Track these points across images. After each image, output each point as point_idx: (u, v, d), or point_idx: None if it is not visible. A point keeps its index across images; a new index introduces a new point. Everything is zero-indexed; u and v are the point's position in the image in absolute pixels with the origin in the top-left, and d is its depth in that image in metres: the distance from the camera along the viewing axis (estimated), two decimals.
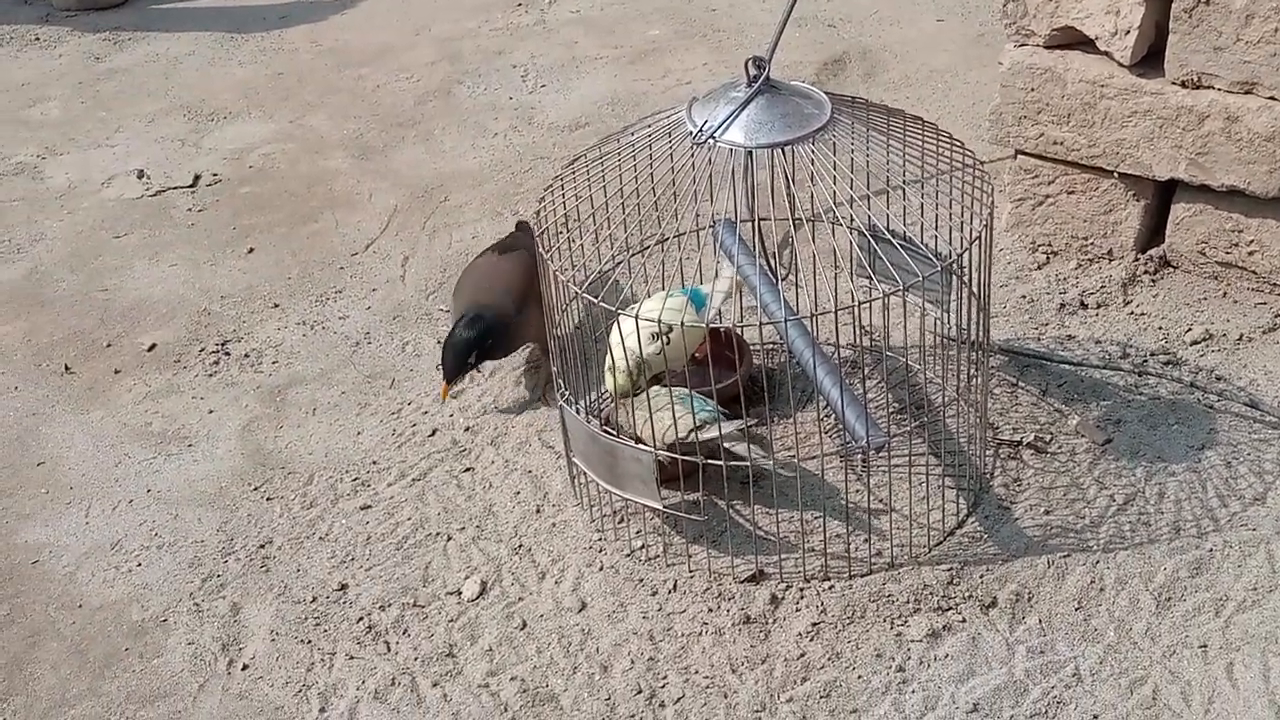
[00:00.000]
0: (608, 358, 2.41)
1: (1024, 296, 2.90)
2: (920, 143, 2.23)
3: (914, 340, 2.60)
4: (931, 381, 2.59)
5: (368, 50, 4.18)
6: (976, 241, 2.17)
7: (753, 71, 2.17)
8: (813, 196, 2.41)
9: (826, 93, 2.25)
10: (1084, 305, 2.86)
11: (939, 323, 2.38)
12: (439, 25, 4.31)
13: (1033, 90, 2.95)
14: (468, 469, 2.56)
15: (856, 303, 2.12)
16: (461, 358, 2.59)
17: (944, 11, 4.24)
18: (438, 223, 3.32)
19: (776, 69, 3.92)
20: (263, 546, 2.43)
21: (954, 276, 2.31)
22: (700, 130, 2.13)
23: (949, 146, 2.26)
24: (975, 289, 2.25)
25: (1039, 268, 3.01)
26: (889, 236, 2.24)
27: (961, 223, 2.26)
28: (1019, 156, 3.05)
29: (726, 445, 2.21)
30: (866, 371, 2.64)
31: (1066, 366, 2.67)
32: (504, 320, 2.60)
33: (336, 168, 3.59)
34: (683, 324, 2.28)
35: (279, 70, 4.09)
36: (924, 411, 2.52)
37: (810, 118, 2.14)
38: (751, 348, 2.64)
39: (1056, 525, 2.30)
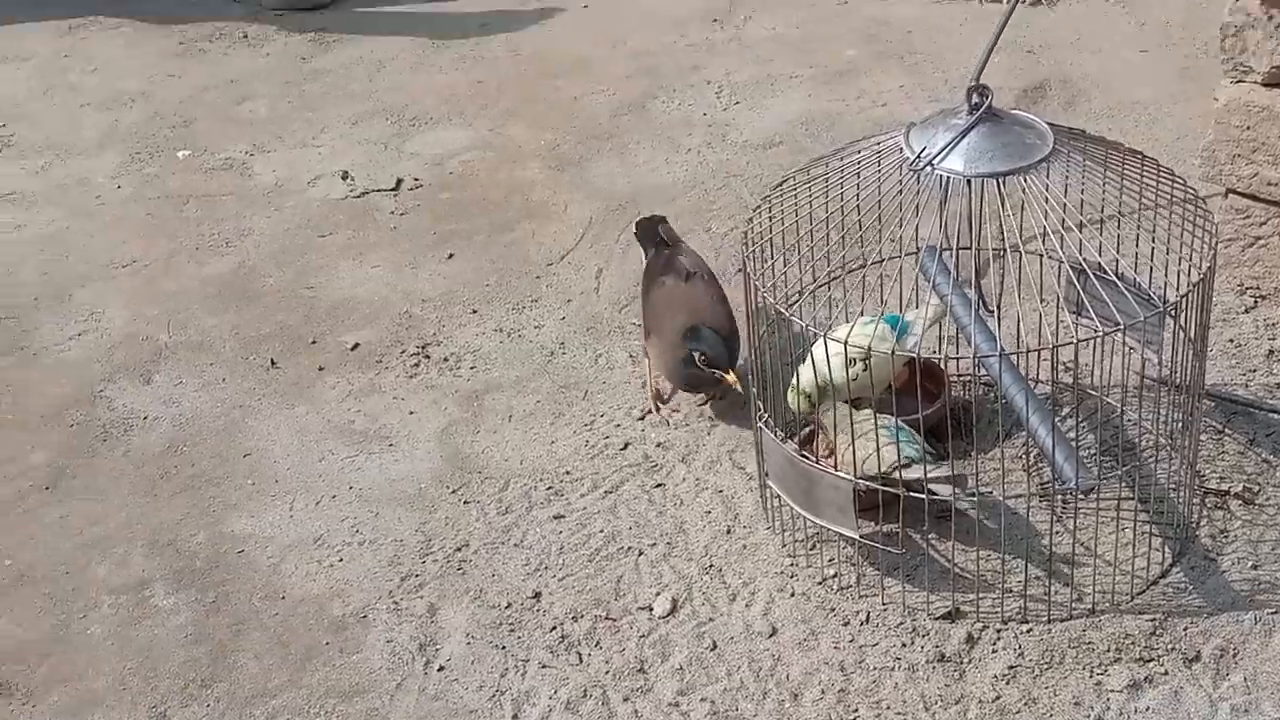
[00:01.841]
0: (794, 377, 2.42)
1: (1231, 340, 2.83)
2: (1140, 178, 2.19)
3: (1118, 380, 2.55)
4: (1137, 424, 2.55)
5: (566, 61, 4.24)
6: (1198, 286, 2.13)
7: (975, 99, 2.15)
8: (1023, 227, 2.39)
9: (1048, 123, 2.22)
10: None
11: (1148, 364, 2.34)
12: (635, 39, 4.35)
13: (1249, 129, 2.88)
14: (659, 485, 2.59)
15: (1074, 341, 2.10)
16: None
17: (1147, 43, 4.16)
18: (631, 236, 3.35)
19: None
20: (459, 549, 2.48)
21: (1170, 319, 2.27)
22: (919, 156, 2.12)
23: (1170, 183, 2.22)
24: (1191, 333, 2.20)
25: (1246, 311, 2.94)
26: (1106, 274, 2.21)
27: (1180, 259, 2.22)
28: (1230, 195, 2.98)
29: (930, 489, 2.20)
30: (1068, 410, 2.61)
31: (1276, 416, 2.60)
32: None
33: (533, 178, 3.64)
34: (890, 351, 2.27)
35: (479, 78, 4.17)
36: (1130, 455, 2.48)
37: (1032, 148, 2.12)
38: (949, 378, 2.62)
39: (1265, 581, 2.24)
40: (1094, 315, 2.28)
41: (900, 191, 2.11)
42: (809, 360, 2.39)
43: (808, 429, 2.51)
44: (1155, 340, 2.28)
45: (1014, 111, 2.21)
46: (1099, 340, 2.37)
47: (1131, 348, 2.35)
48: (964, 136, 2.11)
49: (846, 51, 4.14)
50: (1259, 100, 2.86)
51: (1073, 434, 2.56)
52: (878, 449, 2.21)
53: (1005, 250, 2.32)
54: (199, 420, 2.86)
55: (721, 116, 3.87)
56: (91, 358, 3.06)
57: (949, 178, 2.09)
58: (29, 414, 2.91)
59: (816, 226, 2.33)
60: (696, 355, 2.63)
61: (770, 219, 2.35)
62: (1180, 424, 2.36)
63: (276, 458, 2.74)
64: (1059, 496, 2.35)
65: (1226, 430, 2.59)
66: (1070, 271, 2.31)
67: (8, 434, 2.85)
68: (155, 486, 2.70)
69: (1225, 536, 2.34)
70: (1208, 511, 2.38)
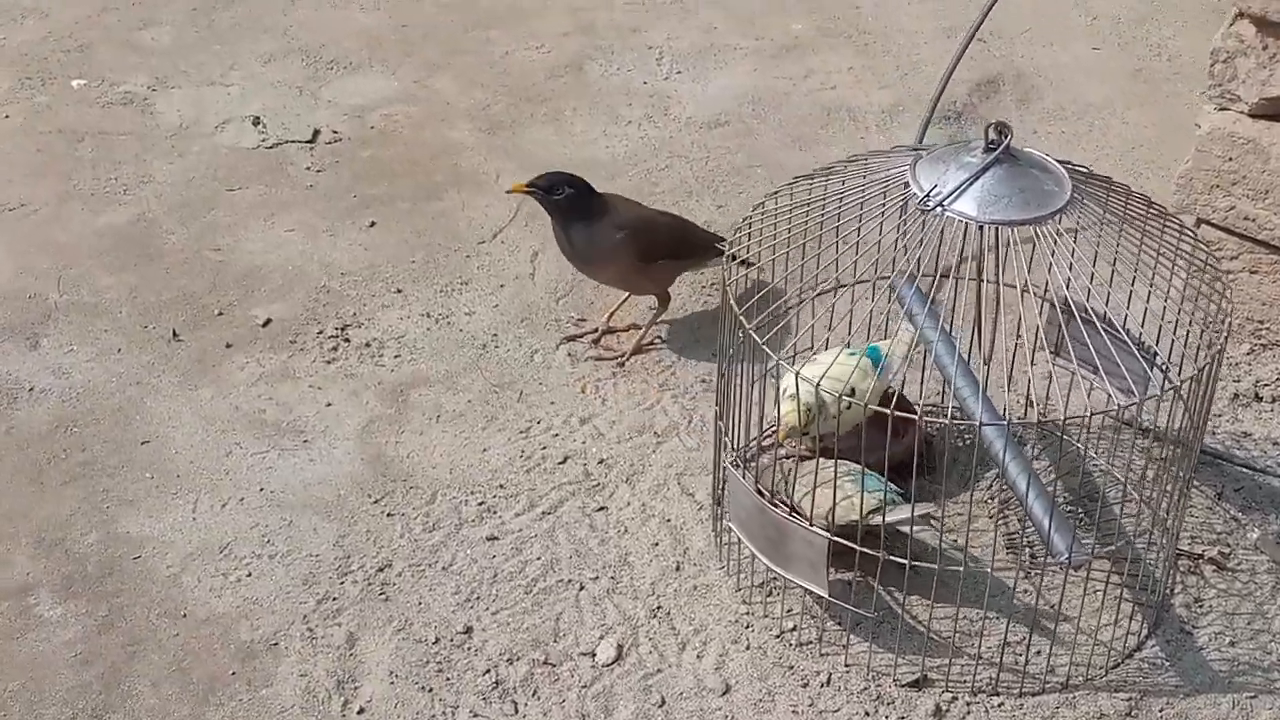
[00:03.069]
0: (786, 386, 2.20)
1: (1218, 371, 2.72)
2: (1159, 234, 2.05)
3: (1091, 422, 2.42)
4: (1106, 472, 2.42)
5: (496, 9, 3.97)
6: (1210, 363, 1.99)
7: (993, 136, 1.98)
8: (1019, 268, 2.23)
9: (1062, 163, 2.06)
10: (1259, 398, 2.68)
11: (1125, 412, 2.22)
12: None
13: (1231, 160, 2.75)
14: (601, 508, 2.40)
15: (1085, 415, 1.95)
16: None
17: (1099, 39, 4.03)
18: None
19: (929, 84, 3.72)
20: (382, 570, 2.27)
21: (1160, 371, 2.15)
22: (928, 196, 1.95)
23: (1191, 244, 2.08)
24: (1192, 408, 2.07)
25: (1193, 311, 2.82)
26: (1112, 328, 2.07)
27: (1191, 321, 2.09)
28: (1201, 226, 2.86)
29: (906, 531, 2.04)
30: (1035, 451, 2.47)
31: (1244, 470, 2.49)
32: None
33: (462, 140, 3.40)
34: (872, 388, 2.11)
35: (402, 21, 3.89)
36: (1103, 511, 2.35)
37: (1049, 196, 1.96)
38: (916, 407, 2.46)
39: (1243, 660, 2.13)
40: (1073, 357, 2.15)
41: (905, 233, 1.93)
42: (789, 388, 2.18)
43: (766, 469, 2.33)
44: (1138, 390, 2.15)
45: (1030, 151, 2.04)
46: (1073, 381, 2.26)
47: (1109, 394, 2.22)
48: (978, 178, 1.93)
49: (793, 25, 3.94)
50: (1244, 131, 2.73)
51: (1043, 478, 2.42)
52: (856, 496, 2.05)
53: (997, 293, 2.18)
54: (92, 396, 2.60)
55: (663, 87, 3.65)
56: None
57: (964, 222, 1.91)
58: None
59: (801, 252, 2.14)
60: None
61: (750, 233, 2.16)
62: (1153, 478, 2.24)
63: (178, 448, 2.50)
64: (1034, 560, 2.21)
65: (1194, 482, 2.47)
66: (1050, 310, 2.18)
67: None
68: (42, 473, 2.44)
69: (1200, 606, 2.22)
70: (1182, 576, 2.27)
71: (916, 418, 2.34)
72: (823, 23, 4.00)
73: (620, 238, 2.64)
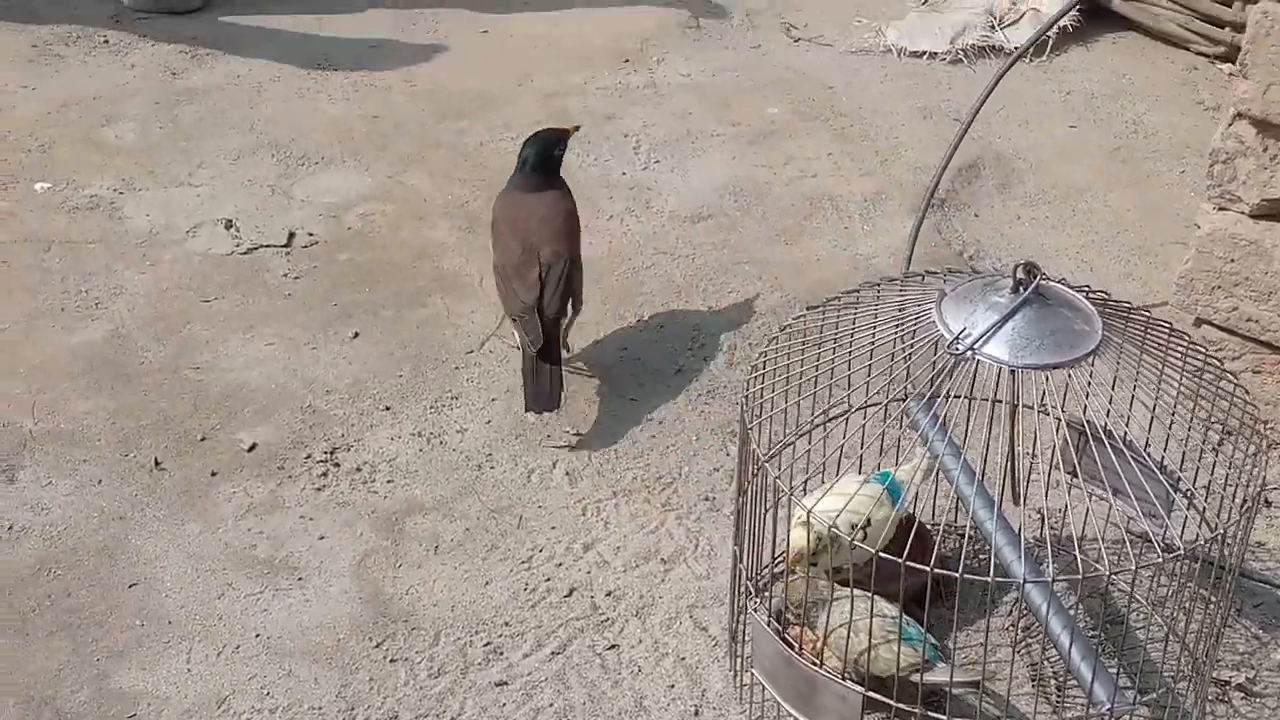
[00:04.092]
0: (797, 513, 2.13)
1: (1203, 486, 2.68)
2: (1198, 376, 2.01)
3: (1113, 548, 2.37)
4: (1130, 597, 2.37)
5: (467, 98, 3.91)
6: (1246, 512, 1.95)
7: (1021, 276, 1.93)
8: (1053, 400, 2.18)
9: (1089, 297, 2.01)
10: (1268, 503, 2.65)
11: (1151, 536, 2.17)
12: (540, 76, 4.04)
13: (1232, 261, 2.73)
14: (612, 645, 2.32)
15: (1133, 568, 1.89)
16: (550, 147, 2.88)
17: (1075, 115, 4.01)
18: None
19: (910, 170, 3.69)
20: None
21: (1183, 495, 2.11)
22: (957, 339, 1.89)
23: (1232, 386, 2.04)
24: (1230, 559, 2.03)
25: (1220, 442, 2.79)
26: (1133, 451, 2.02)
27: (1217, 453, 2.05)
28: (1202, 326, 2.83)
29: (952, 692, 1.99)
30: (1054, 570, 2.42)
31: (1262, 585, 2.45)
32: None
33: (442, 240, 3.32)
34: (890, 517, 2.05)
35: (373, 113, 3.81)
36: (1127, 637, 2.29)
37: (1081, 336, 1.91)
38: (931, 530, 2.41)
39: None
40: (1095, 480, 2.10)
41: (935, 378, 1.88)
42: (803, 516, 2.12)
43: (783, 599, 2.26)
44: (1161, 514, 2.11)
45: (1058, 287, 1.99)
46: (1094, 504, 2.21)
47: (1132, 518, 2.17)
48: (1008, 320, 1.88)
49: (768, 109, 3.90)
50: (1245, 233, 2.71)
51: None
52: (897, 645, 1.98)
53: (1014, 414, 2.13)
54: (74, 534, 2.50)
55: (642, 177, 3.60)
56: None
57: (997, 367, 1.86)
58: None
59: (814, 383, 2.09)
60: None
61: (768, 363, 2.10)
62: (1180, 608, 2.20)
63: (168, 590, 2.40)
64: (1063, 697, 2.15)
65: (1212, 598, 2.43)
66: (1069, 432, 2.13)
67: None
68: (27, 622, 2.33)
69: None
70: (1210, 706, 2.22)
71: (931, 555, 2.29)
72: (798, 106, 3.96)
73: None
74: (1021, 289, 1.91)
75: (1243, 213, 2.72)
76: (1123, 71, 4.21)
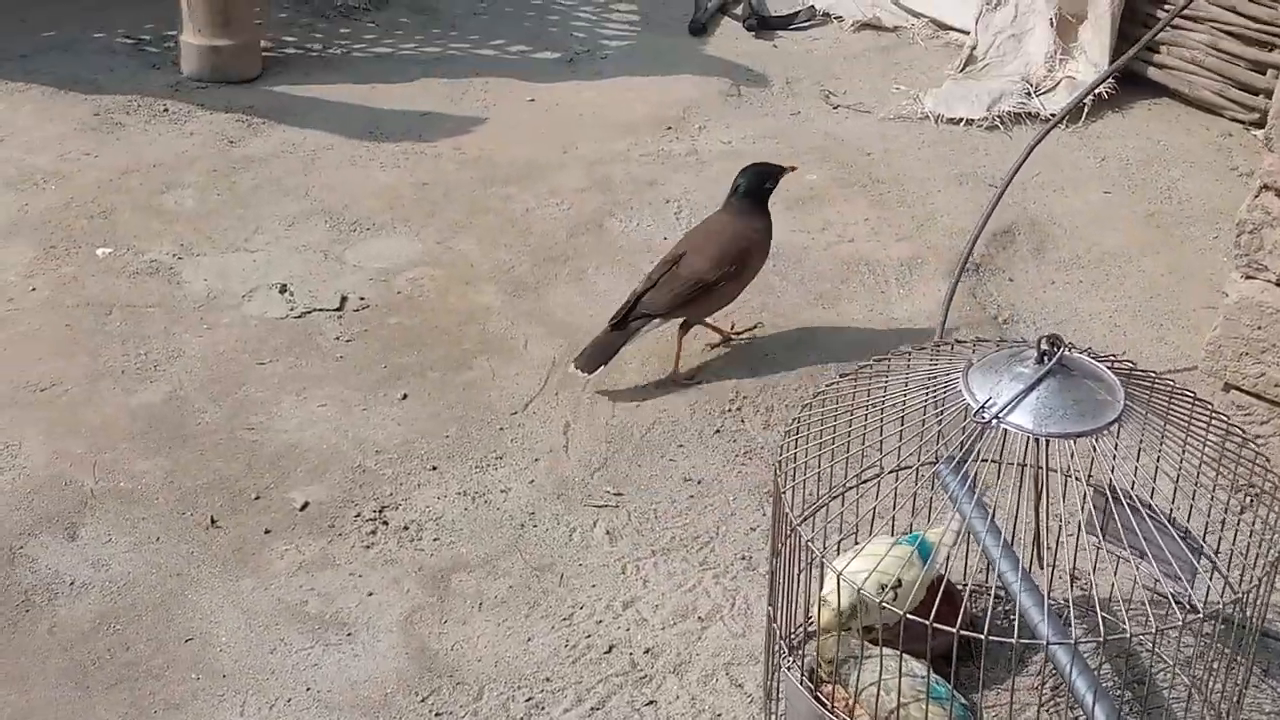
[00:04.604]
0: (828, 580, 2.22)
1: (1224, 549, 2.73)
2: (1220, 446, 2.07)
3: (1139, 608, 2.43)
4: (1152, 654, 2.42)
5: (514, 165, 4.02)
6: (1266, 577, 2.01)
7: (1045, 348, 2.00)
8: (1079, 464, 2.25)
9: (1112, 367, 2.08)
10: None
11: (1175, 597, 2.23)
12: (585, 144, 4.15)
13: (1260, 328, 2.79)
14: (650, 702, 2.39)
15: (1166, 628, 1.95)
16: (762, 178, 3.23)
17: (1109, 181, 4.09)
18: (597, 384, 3.15)
19: (945, 235, 3.76)
20: None
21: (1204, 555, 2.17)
22: (983, 408, 1.97)
23: (1254, 454, 2.10)
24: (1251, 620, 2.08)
25: (1241, 510, 2.84)
26: (1155, 515, 2.09)
27: (1239, 521, 2.11)
28: (1231, 391, 2.89)
29: None
30: (1080, 631, 2.47)
31: None
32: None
33: (488, 303, 3.42)
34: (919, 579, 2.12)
35: (423, 180, 3.93)
36: (1153, 697, 2.35)
37: (1103, 406, 1.98)
38: (960, 590, 2.47)
39: None
40: (1120, 543, 2.16)
41: (964, 445, 1.95)
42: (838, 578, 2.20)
43: (816, 657, 2.33)
44: (1187, 575, 2.16)
45: (1081, 358, 2.06)
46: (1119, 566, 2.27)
47: (1158, 579, 2.23)
48: (1032, 390, 1.95)
49: (807, 175, 3.99)
50: (1272, 301, 2.77)
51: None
52: (925, 705, 2.05)
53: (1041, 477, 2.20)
54: (133, 590, 2.60)
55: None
56: (10, 504, 2.77)
57: (1024, 436, 1.93)
58: None
59: (846, 448, 2.17)
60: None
61: (804, 436, 2.18)
62: (1207, 669, 2.25)
63: (222, 645, 2.49)
64: None
65: (1238, 657, 2.47)
66: (1094, 496, 2.19)
67: None
68: (87, 675, 2.43)
69: None
70: None
71: (959, 615, 2.35)
72: (836, 172, 4.05)
73: None
74: (1046, 359, 1.98)
75: (1270, 281, 2.78)
76: (1157, 137, 4.29)
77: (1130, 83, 4.45)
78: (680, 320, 3.17)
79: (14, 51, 4.49)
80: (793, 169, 3.33)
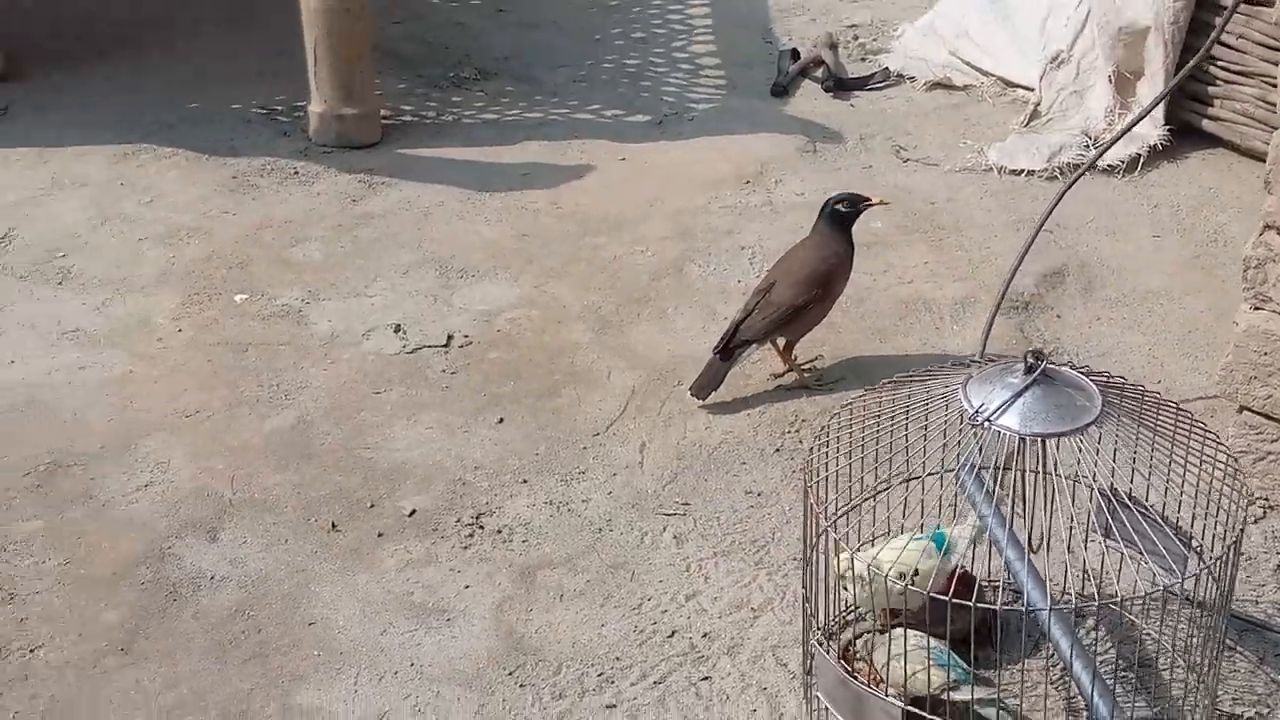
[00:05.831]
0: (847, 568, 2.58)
1: (1241, 554, 3.01)
2: (1186, 439, 2.38)
3: (1138, 592, 2.73)
4: (1155, 639, 2.72)
5: (605, 218, 4.43)
6: (1229, 550, 2.31)
7: (1030, 361, 2.33)
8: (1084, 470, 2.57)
9: (1094, 380, 2.41)
10: None
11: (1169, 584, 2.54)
12: (670, 198, 4.55)
13: (1266, 354, 3.07)
14: (705, 677, 2.75)
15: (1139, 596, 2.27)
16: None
17: (1160, 227, 4.37)
18: (672, 409, 3.53)
19: (999, 276, 4.08)
20: None
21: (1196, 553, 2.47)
22: (977, 412, 2.31)
23: (1215, 447, 2.41)
24: (1222, 585, 2.38)
25: (1255, 522, 3.12)
26: (1135, 505, 2.40)
27: (1215, 509, 2.42)
28: (1244, 412, 3.17)
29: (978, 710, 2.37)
30: (1092, 623, 2.78)
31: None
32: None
33: (577, 340, 3.82)
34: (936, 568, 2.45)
35: (523, 231, 4.36)
36: (1146, 672, 2.64)
37: (1081, 411, 2.31)
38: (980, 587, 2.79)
39: None
40: (1120, 539, 2.47)
41: (959, 443, 2.29)
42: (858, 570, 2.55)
43: (850, 639, 2.68)
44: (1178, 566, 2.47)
45: (1066, 371, 2.39)
46: (1123, 558, 2.58)
47: (1153, 569, 2.53)
48: (1019, 396, 2.29)
49: (873, 223, 4.33)
50: (1277, 330, 3.05)
51: (1089, 643, 2.73)
52: (928, 669, 2.38)
53: (1051, 488, 2.52)
54: (264, 583, 3.02)
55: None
56: (159, 512, 3.22)
57: (1011, 435, 2.28)
58: (100, 569, 3.06)
59: (870, 444, 2.52)
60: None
61: (828, 438, 2.53)
62: (1199, 646, 2.54)
63: (340, 628, 2.90)
64: None
65: (1238, 648, 2.76)
66: (1100, 498, 2.50)
67: (82, 589, 3.00)
68: (225, 652, 2.85)
69: None
70: None
71: (972, 599, 2.68)
72: (901, 220, 4.40)
73: None
74: (1031, 371, 2.32)
75: (1275, 311, 3.07)
76: (1209, 184, 4.57)
77: (1186, 134, 4.74)
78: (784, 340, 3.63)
79: (163, 122, 5.01)
80: (882, 202, 3.73)
